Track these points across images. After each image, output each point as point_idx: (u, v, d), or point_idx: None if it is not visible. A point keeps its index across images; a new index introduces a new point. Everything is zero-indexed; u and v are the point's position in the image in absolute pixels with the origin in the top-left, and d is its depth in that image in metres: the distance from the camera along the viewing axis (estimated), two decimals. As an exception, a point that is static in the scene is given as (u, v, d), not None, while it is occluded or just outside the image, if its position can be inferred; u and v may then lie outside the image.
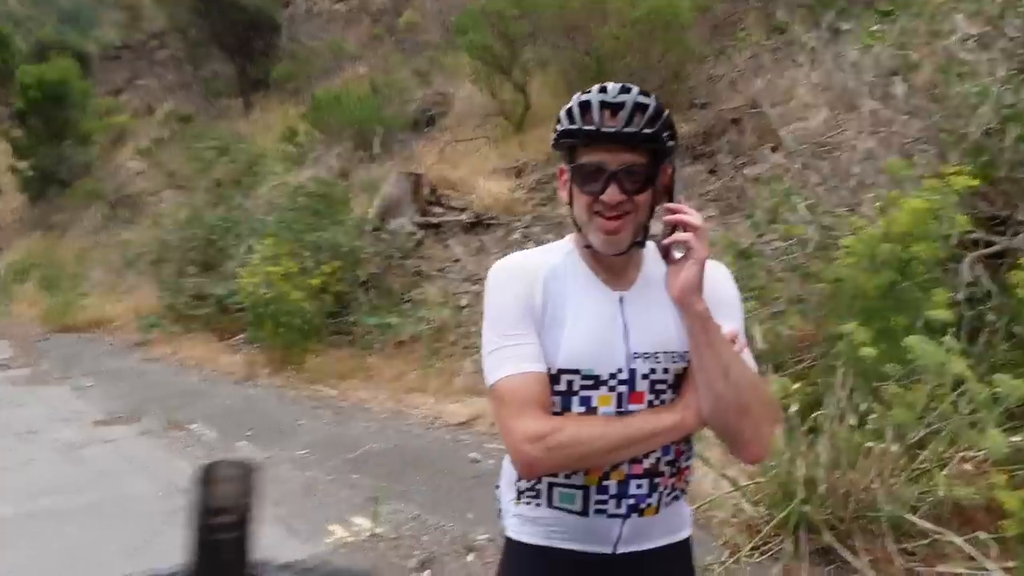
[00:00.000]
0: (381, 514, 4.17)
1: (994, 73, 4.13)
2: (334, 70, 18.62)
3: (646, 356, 1.41)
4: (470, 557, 3.76)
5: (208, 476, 0.77)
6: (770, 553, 3.17)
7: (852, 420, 3.21)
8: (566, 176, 1.44)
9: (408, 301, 8.07)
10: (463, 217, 9.33)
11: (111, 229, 17.58)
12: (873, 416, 3.15)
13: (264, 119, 19.19)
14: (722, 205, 6.53)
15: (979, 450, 3.03)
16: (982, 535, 2.81)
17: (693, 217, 1.36)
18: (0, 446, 5.84)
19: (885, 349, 3.20)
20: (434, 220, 9.49)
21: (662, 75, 9.05)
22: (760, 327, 3.97)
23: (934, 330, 3.11)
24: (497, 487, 1.57)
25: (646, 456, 1.40)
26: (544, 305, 1.41)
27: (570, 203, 1.46)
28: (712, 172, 7.39)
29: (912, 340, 2.85)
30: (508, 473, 1.51)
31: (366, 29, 21.18)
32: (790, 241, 4.65)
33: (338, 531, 4.12)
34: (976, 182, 3.59)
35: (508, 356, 1.39)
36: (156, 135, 24.01)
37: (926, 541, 2.92)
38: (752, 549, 3.19)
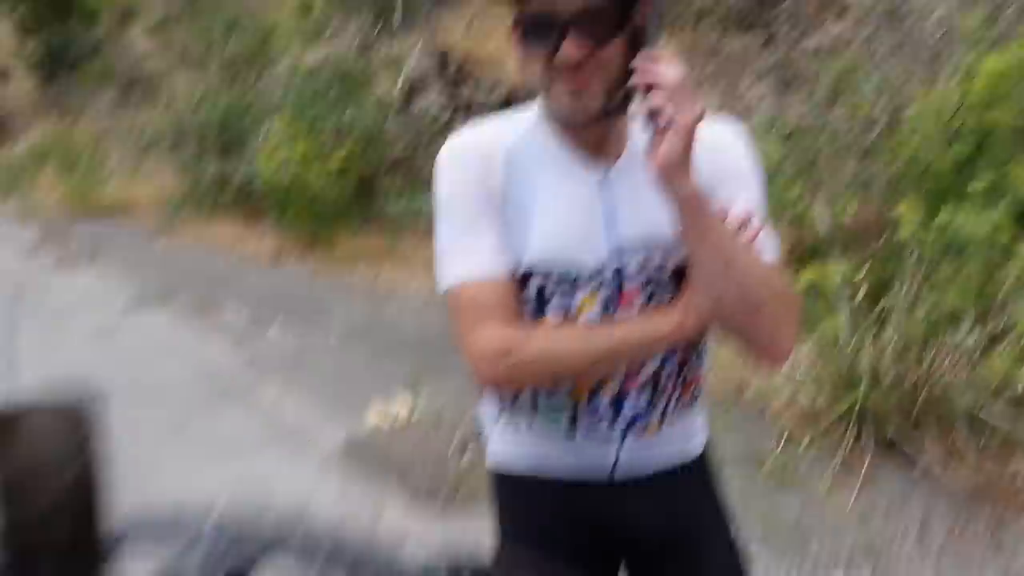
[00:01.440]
0: (421, 395, 4.16)
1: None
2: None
3: (635, 248, 1.16)
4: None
5: (17, 432, 0.51)
6: (829, 445, 3.10)
7: (922, 309, 3.06)
8: (516, 33, 1.13)
9: (437, 184, 7.87)
10: (494, 96, 8.97)
11: (126, 111, 17.31)
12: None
13: (277, -8, 18.38)
14: (777, 82, 6.15)
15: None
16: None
17: (664, 72, 1.02)
18: (32, 331, 5.88)
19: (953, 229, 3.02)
20: (462, 100, 9.15)
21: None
22: (821, 211, 3.77)
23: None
24: (479, 409, 1.38)
25: (643, 366, 1.19)
26: (505, 191, 1.17)
27: (525, 69, 1.16)
28: (766, 44, 6.93)
29: (953, 214, 2.67)
30: (487, 396, 1.32)
31: None
32: (855, 121, 4.36)
33: (377, 414, 4.12)
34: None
35: (462, 256, 1.16)
36: (164, 12, 23.24)
37: (999, 437, 2.82)
38: (810, 441, 3.12)
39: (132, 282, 7.81)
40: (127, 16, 26.27)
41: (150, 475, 3.40)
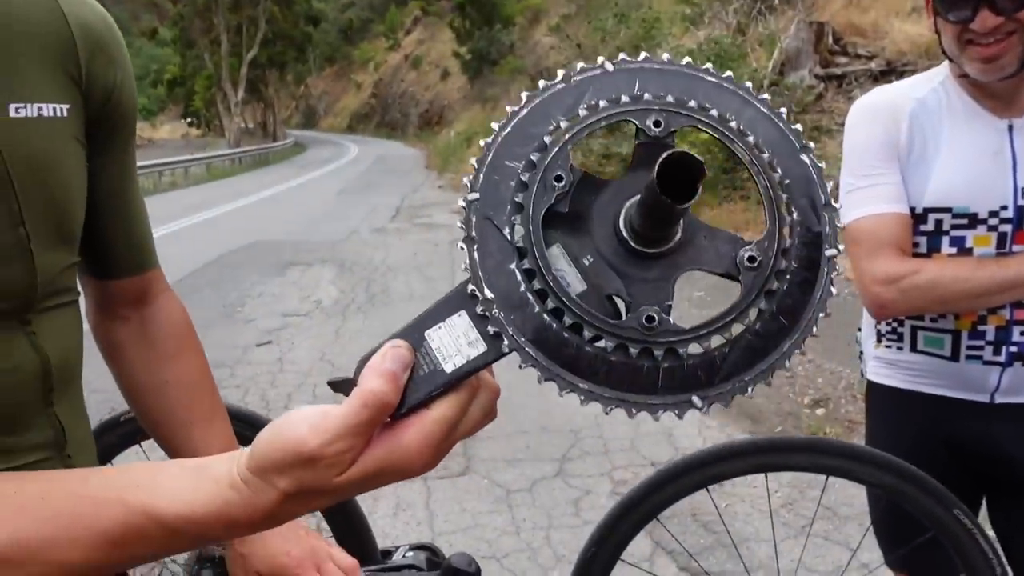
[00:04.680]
0: (776, 355, 4.17)
1: None
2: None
3: None
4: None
5: None
6: None
7: None
8: (931, 2, 1.15)
9: (806, 157, 7.52)
10: (872, 65, 8.20)
11: (532, 99, 19.16)
12: None
13: (661, -17, 18.67)
14: None
15: None
16: None
17: None
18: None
19: None
20: (837, 71, 8.51)
21: None
22: None
23: None
24: (859, 329, 1.41)
25: None
26: (910, 142, 1.19)
27: (937, 33, 1.16)
28: None
29: None
30: (867, 315, 1.34)
31: None
32: None
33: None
34: None
35: (864, 196, 1.20)
36: (564, 11, 25.03)
37: None
38: None
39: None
40: (535, 18, 28.89)
41: (548, 390, 4.00)
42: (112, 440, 1.16)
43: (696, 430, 3.46)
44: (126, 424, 1.16)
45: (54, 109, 0.65)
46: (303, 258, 8.03)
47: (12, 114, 0.61)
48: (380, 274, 7.19)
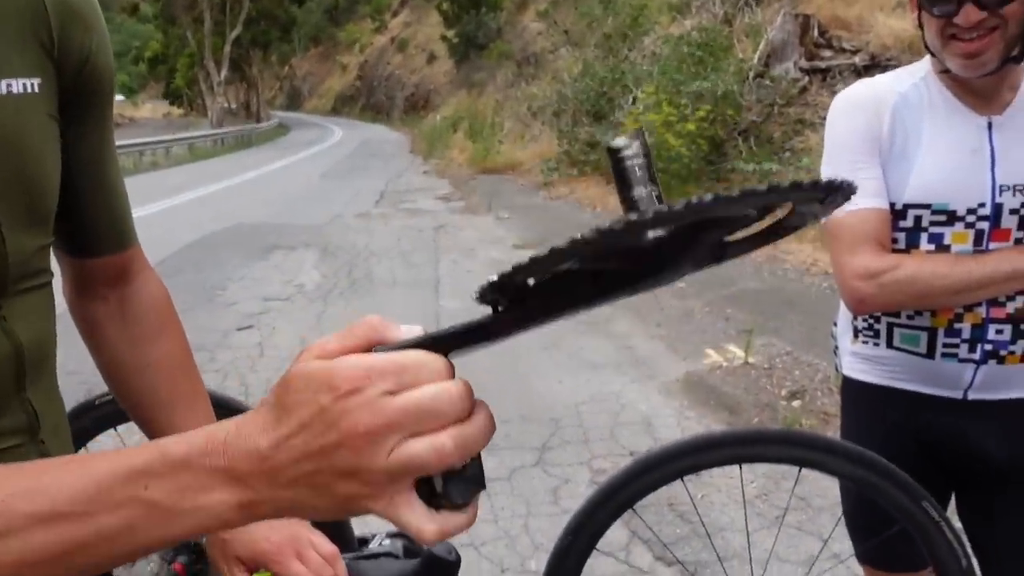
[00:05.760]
0: (754, 345, 4.22)
1: None
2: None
3: (1017, 188, 1.14)
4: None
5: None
6: None
7: None
8: None
9: (789, 150, 7.57)
10: (856, 60, 8.24)
11: (518, 85, 19.13)
12: None
13: (649, -29, 18.62)
14: None
15: None
16: None
17: None
18: (452, 261, 7.08)
19: None
20: (821, 64, 8.55)
21: None
22: None
23: None
24: (835, 324, 1.42)
25: (1011, 298, 1.16)
26: (891, 136, 1.19)
27: (920, 27, 1.17)
28: None
29: None
30: (844, 311, 1.35)
31: None
32: None
33: (713, 355, 4.28)
34: None
35: None
36: (553, -4, 24.87)
37: None
38: None
39: (518, 226, 8.86)
40: (523, 3, 28.67)
41: (529, 379, 4.02)
42: (86, 424, 1.14)
43: (675, 420, 3.49)
44: (101, 407, 1.14)
45: (24, 85, 0.63)
46: (286, 241, 7.98)
47: None
48: (363, 259, 7.16)
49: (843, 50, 8.60)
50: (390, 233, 8.58)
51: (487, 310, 0.41)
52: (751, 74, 8.68)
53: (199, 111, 43.15)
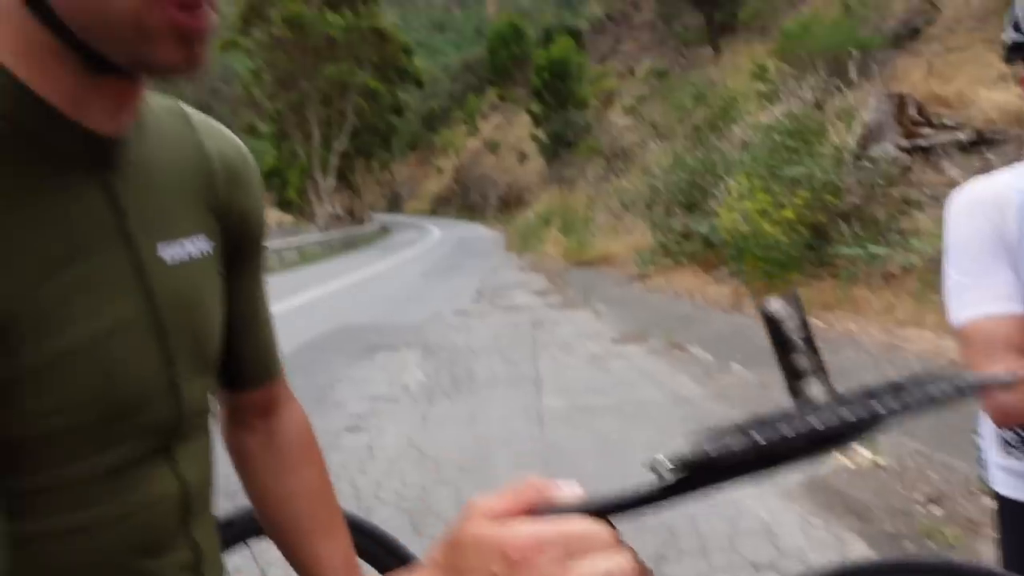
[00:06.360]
0: (882, 445, 3.93)
1: None
2: (801, 1, 17.31)
3: None
4: (986, 501, 3.33)
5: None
6: None
7: None
8: None
9: (897, 231, 7.27)
10: (960, 136, 7.93)
11: (609, 179, 19.47)
12: None
13: (734, 62, 18.89)
14: None
15: None
16: None
17: None
18: (551, 357, 7.07)
19: None
20: (923, 142, 8.28)
21: None
22: None
23: None
24: (975, 432, 1.31)
25: None
26: (1020, 236, 1.12)
27: None
28: None
29: None
30: (986, 420, 1.24)
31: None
32: None
33: (839, 457, 4.01)
34: None
35: (974, 295, 1.14)
36: (638, 93, 25.56)
37: None
38: None
39: (616, 319, 8.80)
40: (609, 99, 29.57)
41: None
42: (226, 537, 1.18)
43: (799, 528, 3.27)
44: (232, 527, 1.17)
45: (200, 248, 0.68)
46: (389, 341, 8.22)
47: (168, 261, 0.64)
48: (463, 357, 7.26)
49: (945, 127, 8.32)
50: (488, 330, 8.70)
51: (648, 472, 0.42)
52: (848, 156, 8.49)
53: (307, 217, 46.10)
